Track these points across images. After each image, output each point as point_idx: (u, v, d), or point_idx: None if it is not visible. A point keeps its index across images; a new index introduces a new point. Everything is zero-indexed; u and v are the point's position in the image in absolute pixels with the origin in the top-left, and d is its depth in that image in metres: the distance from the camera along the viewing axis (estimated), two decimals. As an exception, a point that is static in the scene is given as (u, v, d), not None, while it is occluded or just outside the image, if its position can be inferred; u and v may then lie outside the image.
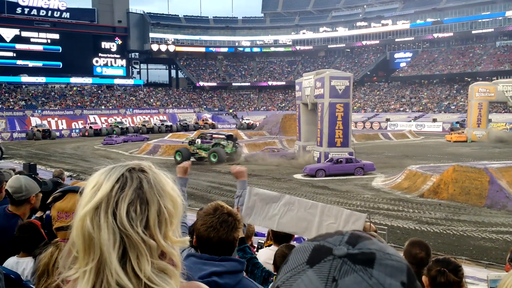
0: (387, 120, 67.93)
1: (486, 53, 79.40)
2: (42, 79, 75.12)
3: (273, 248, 4.23)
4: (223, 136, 34.89)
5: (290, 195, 4.23)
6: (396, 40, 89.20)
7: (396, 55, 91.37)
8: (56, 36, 78.02)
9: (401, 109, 75.37)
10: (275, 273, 3.31)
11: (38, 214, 3.58)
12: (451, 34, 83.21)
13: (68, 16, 79.58)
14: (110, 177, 1.05)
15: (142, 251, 1.00)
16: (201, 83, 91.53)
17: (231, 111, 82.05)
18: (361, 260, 0.64)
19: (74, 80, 78.37)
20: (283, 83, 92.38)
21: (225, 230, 2.07)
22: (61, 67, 77.47)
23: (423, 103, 75.34)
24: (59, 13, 78.65)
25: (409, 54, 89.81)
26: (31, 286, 2.39)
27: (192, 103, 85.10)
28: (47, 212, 2.21)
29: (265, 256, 4.25)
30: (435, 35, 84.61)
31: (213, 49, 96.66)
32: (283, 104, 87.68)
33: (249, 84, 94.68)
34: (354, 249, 0.66)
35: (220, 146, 33.40)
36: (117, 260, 0.98)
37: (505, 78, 61.19)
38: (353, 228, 3.77)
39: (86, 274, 0.99)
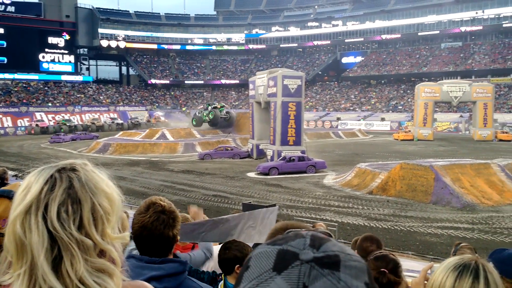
0: (338, 119, 69.33)
1: (432, 55, 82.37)
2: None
3: None
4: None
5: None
6: (346, 40, 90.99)
7: (346, 56, 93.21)
8: (0, 30, 74.81)
9: (351, 108, 77.06)
10: (221, 272, 3.32)
11: None
12: (399, 35, 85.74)
13: (13, 10, 76.48)
14: (39, 179, 1.03)
15: (74, 252, 0.98)
16: (153, 81, 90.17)
17: (184, 109, 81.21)
18: (327, 264, 0.64)
19: (19, 76, 75.44)
20: (237, 81, 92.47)
21: (157, 228, 1.97)
22: (5, 62, 74.44)
23: (372, 102, 77.33)
24: (3, 6, 75.47)
25: (358, 55, 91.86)
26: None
27: (143, 101, 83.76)
28: None
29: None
30: (383, 36, 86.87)
31: (165, 46, 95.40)
32: (237, 103, 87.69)
33: (202, 82, 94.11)
34: (319, 252, 0.65)
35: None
36: (47, 262, 0.96)
37: (450, 78, 63.70)
38: (268, 223, 3.83)
39: (20, 277, 0.97)
